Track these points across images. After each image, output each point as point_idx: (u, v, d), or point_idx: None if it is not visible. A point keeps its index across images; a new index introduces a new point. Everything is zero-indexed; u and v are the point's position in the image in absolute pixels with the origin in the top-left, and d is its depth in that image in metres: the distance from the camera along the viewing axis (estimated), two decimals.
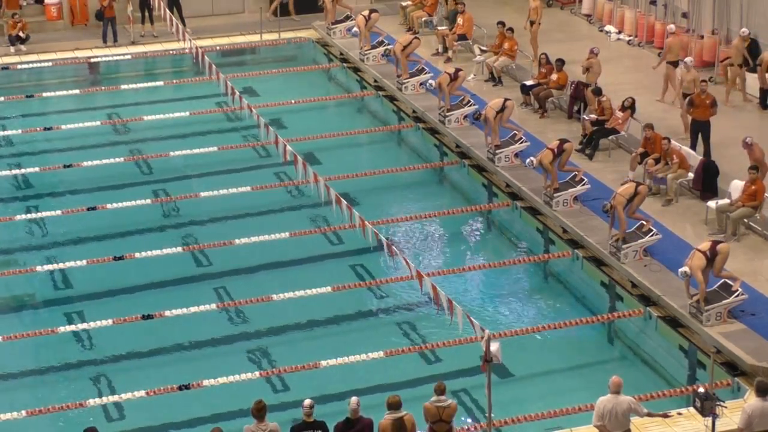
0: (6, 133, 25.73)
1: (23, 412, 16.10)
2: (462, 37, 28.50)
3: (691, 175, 21.01)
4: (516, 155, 22.67)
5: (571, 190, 20.83)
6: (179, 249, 20.78)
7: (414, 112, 26.08)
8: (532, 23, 27.79)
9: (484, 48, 27.64)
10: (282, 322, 18.76)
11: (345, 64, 29.28)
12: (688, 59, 24.63)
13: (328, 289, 19.26)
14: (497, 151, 22.60)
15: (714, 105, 22.48)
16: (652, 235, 19.02)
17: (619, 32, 29.30)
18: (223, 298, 19.48)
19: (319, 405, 14.62)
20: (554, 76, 24.92)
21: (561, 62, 24.98)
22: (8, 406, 16.22)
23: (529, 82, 25.49)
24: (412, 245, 20.89)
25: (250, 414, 13.93)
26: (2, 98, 27.35)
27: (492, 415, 14.76)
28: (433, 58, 28.38)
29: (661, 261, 18.86)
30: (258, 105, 25.39)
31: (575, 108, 24.51)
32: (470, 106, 24.68)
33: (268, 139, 23.68)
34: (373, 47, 28.70)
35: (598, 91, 23.53)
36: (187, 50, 28.55)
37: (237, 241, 20.76)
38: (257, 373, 17.26)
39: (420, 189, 23.32)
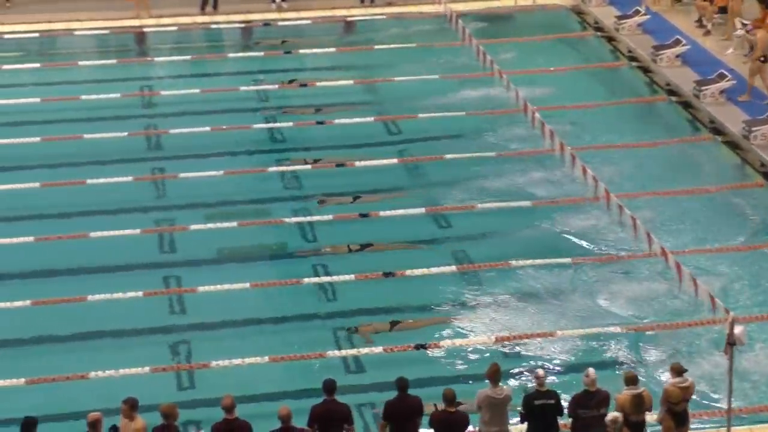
0: (263, 87, 26.58)
1: (266, 358, 16.75)
2: (722, 10, 27.55)
3: None
4: None
5: None
6: (422, 210, 21.04)
7: (668, 84, 25.45)
8: None
9: (746, 22, 26.62)
10: (519, 288, 18.73)
11: (599, 33, 28.83)
12: None
13: (568, 260, 19.12)
14: (753, 129, 21.83)
15: None
16: None
17: None
18: (461, 260, 19.63)
19: (551, 375, 14.59)
20: None
21: None
22: (248, 351, 16.87)
23: None
24: (656, 221, 20.41)
25: (486, 377, 14.02)
26: (262, 53, 28.28)
27: (732, 400, 14.37)
28: (692, 30, 27.58)
29: None
30: (508, 71, 25.36)
31: None
32: (728, 81, 23.90)
33: (517, 106, 23.64)
34: (628, 17, 28.13)
35: None
36: (441, 13, 28.82)
37: (479, 205, 20.86)
38: (492, 337, 17.34)
39: (669, 164, 22.75)
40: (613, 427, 13.28)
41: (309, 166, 22.63)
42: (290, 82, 26.49)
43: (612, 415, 13.37)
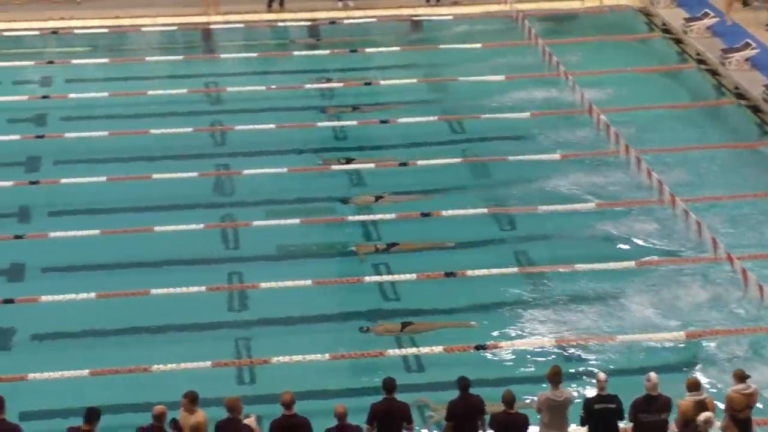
0: (329, 85, 26.65)
1: (327, 355, 16.79)
2: None
3: None
4: None
5: None
6: (484, 210, 20.98)
7: (736, 88, 25.15)
8: None
9: None
10: (580, 291, 18.60)
11: (667, 35, 28.56)
12: None
13: (632, 263, 18.95)
14: None
15: None
16: None
17: None
18: (523, 262, 19.54)
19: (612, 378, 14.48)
20: None
21: None
22: (309, 348, 16.91)
23: None
24: (722, 226, 20.18)
25: (546, 379, 13.95)
26: (328, 51, 28.34)
27: None
28: (762, 34, 27.24)
29: None
30: (574, 72, 25.21)
31: None
32: None
33: (582, 108, 23.48)
34: (697, 19, 27.84)
35: None
36: (508, 13, 28.69)
37: (541, 207, 20.75)
38: (553, 340, 17.26)
39: (737, 168, 22.47)
40: (705, 428, 13.09)
41: (372, 165, 22.65)
42: (327, 81, 26.54)
43: (705, 414, 13.13)
